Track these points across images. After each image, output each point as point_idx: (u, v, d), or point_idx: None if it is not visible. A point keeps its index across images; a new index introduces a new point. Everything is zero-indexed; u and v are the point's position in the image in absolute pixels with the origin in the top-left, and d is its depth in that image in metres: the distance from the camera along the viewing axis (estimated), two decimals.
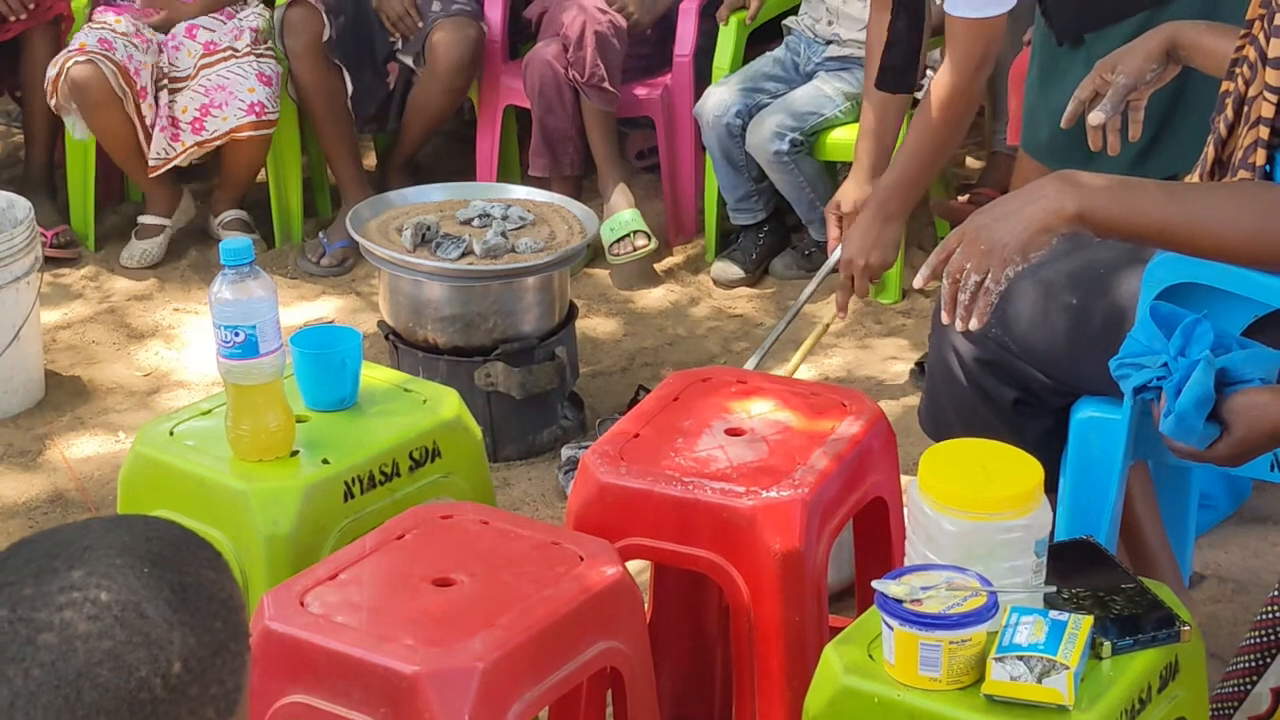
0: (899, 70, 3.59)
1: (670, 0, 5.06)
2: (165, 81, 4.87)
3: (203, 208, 5.21)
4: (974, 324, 2.34)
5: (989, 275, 2.26)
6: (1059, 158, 3.38)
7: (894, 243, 3.60)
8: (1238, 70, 2.46)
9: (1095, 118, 2.73)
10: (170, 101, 4.86)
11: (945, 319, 2.34)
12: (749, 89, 4.81)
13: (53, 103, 4.83)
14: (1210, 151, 2.51)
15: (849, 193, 3.78)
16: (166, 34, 4.92)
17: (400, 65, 5.11)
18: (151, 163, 4.87)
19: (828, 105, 4.65)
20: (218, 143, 4.83)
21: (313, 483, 2.60)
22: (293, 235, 5.17)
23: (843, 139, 4.66)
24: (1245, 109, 2.43)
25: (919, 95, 4.61)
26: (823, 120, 4.65)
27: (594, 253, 4.85)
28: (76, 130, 4.91)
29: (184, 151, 4.85)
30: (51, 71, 4.80)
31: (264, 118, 4.85)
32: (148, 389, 4.33)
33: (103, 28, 4.87)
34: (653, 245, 4.87)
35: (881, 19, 3.67)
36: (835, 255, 3.77)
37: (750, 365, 3.87)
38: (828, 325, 3.87)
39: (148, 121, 4.84)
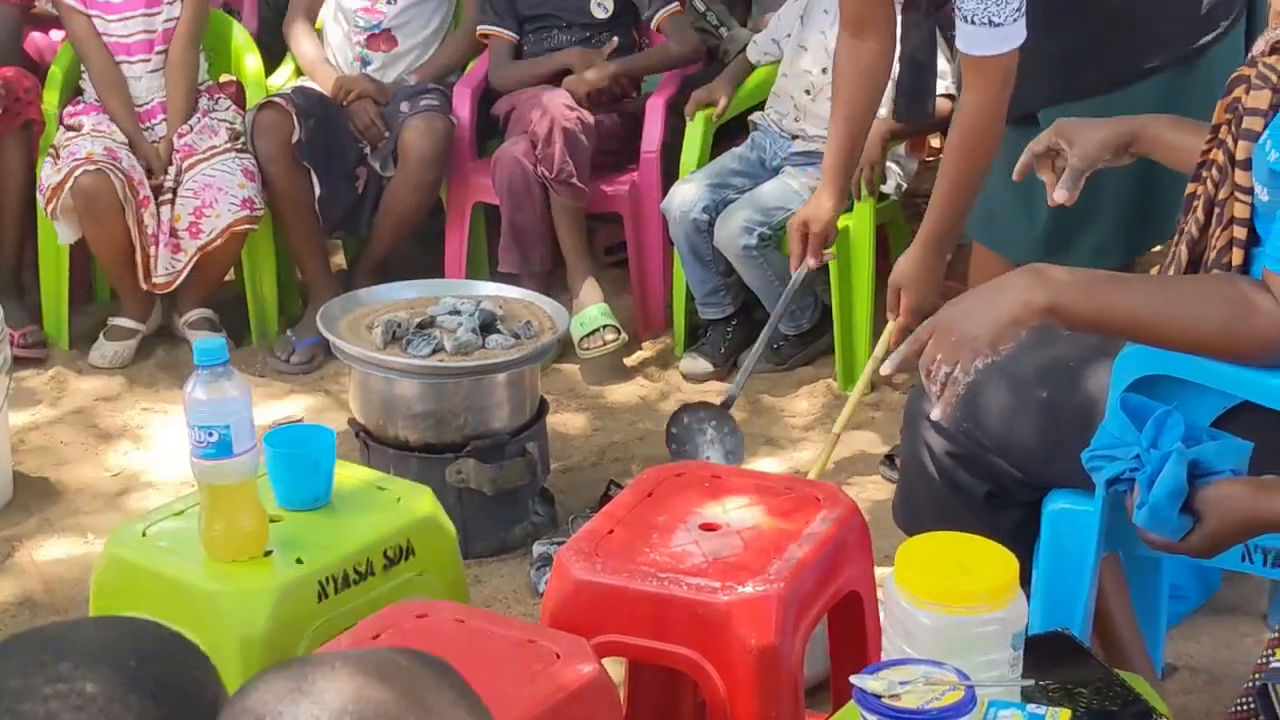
0: (916, 96, 3.64)
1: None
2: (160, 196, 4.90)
3: (166, 306, 5.21)
4: (937, 414, 2.38)
5: (958, 367, 2.31)
6: (1020, 248, 3.42)
7: (942, 283, 3.66)
8: (1205, 173, 2.51)
9: (1060, 195, 2.82)
10: (166, 216, 4.88)
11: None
12: (716, 184, 4.84)
13: (50, 208, 4.83)
14: (1183, 253, 2.54)
15: (820, 211, 3.88)
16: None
17: (370, 170, 5.13)
18: (161, 279, 4.89)
19: (794, 200, 4.67)
20: (219, 241, 4.84)
21: (286, 583, 2.60)
22: (269, 332, 5.18)
23: None
24: (1217, 210, 2.47)
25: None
26: (790, 215, 4.66)
27: (563, 348, 4.86)
28: (62, 236, 4.92)
29: (190, 259, 4.86)
30: (54, 178, 4.81)
31: (255, 212, 4.88)
32: (117, 490, 4.32)
33: (103, 136, 4.89)
34: (622, 339, 4.89)
35: (851, 45, 3.72)
36: (801, 271, 3.99)
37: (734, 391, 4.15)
38: (874, 370, 3.94)
39: (148, 231, 4.85)
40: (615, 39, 5.18)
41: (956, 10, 3.32)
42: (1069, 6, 3.43)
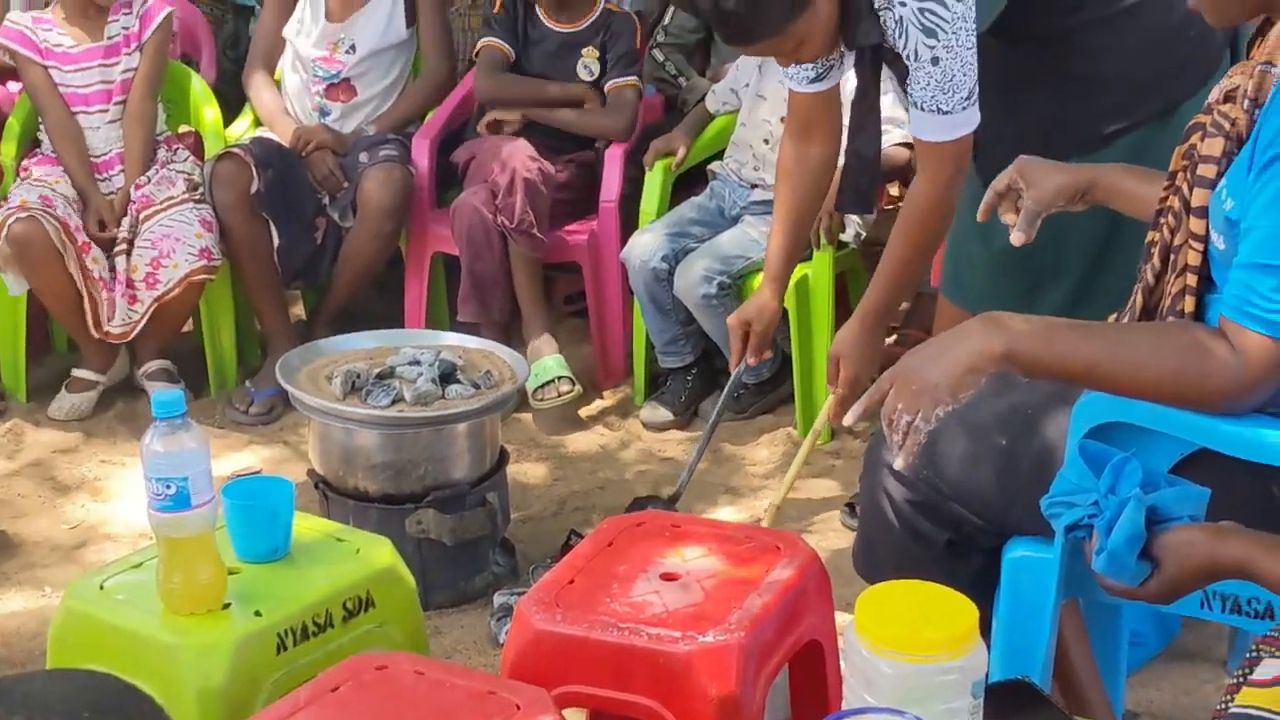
0: (861, 190, 3.64)
1: None
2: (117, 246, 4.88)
3: (131, 359, 5.19)
4: (900, 463, 2.40)
5: (919, 415, 2.34)
6: (985, 304, 3.43)
7: (881, 355, 3.65)
8: (1163, 220, 2.53)
9: (1016, 238, 2.85)
10: (122, 266, 4.86)
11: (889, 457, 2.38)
12: (675, 233, 4.85)
13: None
14: (1139, 300, 2.57)
15: (762, 311, 3.85)
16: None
17: (329, 220, 5.13)
18: (117, 330, 4.86)
19: (754, 249, 4.69)
20: (176, 291, 4.82)
21: (245, 636, 2.59)
22: (227, 383, 5.18)
23: None
24: (1172, 257, 2.49)
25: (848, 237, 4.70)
26: (750, 263, 4.69)
27: (523, 398, 4.85)
28: (12, 287, 4.90)
29: (146, 310, 4.84)
30: None
31: (212, 262, 4.86)
32: (74, 543, 4.29)
33: (43, 185, 4.88)
34: (576, 391, 4.89)
35: (797, 149, 3.72)
36: (739, 371, 3.94)
37: (679, 485, 4.10)
38: (814, 441, 3.96)
39: (94, 276, 4.83)
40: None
41: (908, 94, 3.34)
42: (1039, 73, 3.45)
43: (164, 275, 4.82)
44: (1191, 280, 2.44)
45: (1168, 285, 2.51)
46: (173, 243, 4.83)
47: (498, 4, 5.27)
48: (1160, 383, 2.35)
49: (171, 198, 4.93)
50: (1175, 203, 2.51)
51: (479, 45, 5.27)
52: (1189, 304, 2.44)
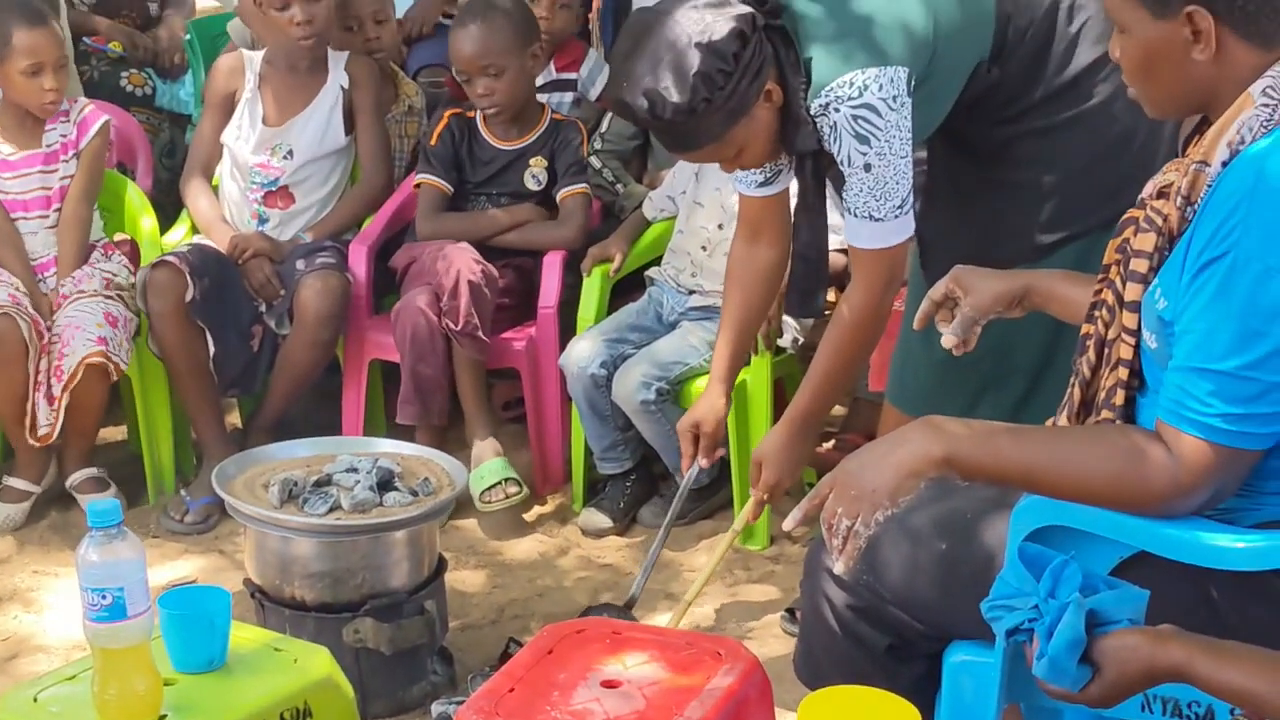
0: (807, 294, 3.66)
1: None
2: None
3: (60, 464, 5.14)
4: (840, 567, 2.41)
5: (859, 520, 2.35)
6: (931, 411, 3.45)
7: (805, 462, 3.64)
8: (1097, 314, 2.56)
9: (948, 340, 2.89)
10: (45, 366, 4.82)
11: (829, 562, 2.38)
12: (613, 339, 4.86)
13: None
14: (1076, 393, 2.59)
15: (711, 412, 3.86)
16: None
17: (265, 328, 5.12)
18: (42, 431, 4.82)
19: (692, 355, 4.70)
20: (78, 377, 4.76)
21: None
22: (164, 491, 5.13)
23: None
24: (1106, 350, 2.52)
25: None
26: (688, 369, 4.70)
27: (461, 504, 4.83)
28: None
29: (60, 403, 4.78)
30: None
31: (111, 354, 4.81)
32: (6, 655, 4.23)
33: (8, 285, 4.85)
34: (524, 493, 4.87)
35: (747, 250, 3.75)
36: (692, 473, 3.92)
37: (636, 591, 4.06)
38: (731, 541, 3.93)
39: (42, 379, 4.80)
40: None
41: (843, 200, 3.36)
42: (982, 182, 3.49)
43: (66, 364, 4.77)
44: (1124, 374, 2.46)
45: (1102, 380, 2.54)
46: (73, 331, 4.79)
47: (434, 135, 5.28)
48: (1098, 486, 2.37)
49: (82, 291, 4.90)
50: (1109, 296, 2.54)
51: (416, 182, 5.27)
52: (1120, 398, 2.46)
